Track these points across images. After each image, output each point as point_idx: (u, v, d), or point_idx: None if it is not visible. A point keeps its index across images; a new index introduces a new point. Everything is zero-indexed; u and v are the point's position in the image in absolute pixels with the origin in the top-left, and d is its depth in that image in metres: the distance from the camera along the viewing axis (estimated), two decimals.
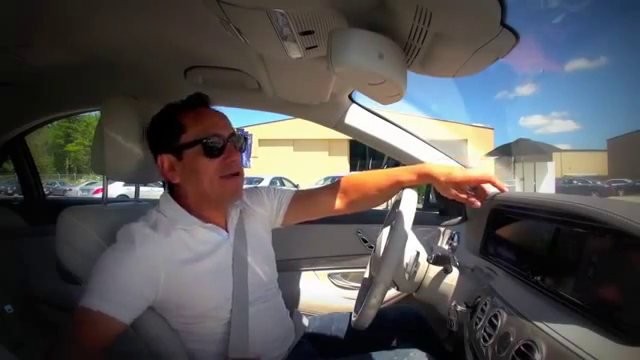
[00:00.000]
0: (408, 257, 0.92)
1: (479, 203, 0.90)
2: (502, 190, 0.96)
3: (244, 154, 0.87)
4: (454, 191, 0.89)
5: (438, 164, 1.03)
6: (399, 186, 0.94)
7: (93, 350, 0.67)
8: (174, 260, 0.76)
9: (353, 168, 20.98)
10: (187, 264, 0.77)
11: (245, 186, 0.89)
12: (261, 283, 0.87)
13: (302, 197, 1.01)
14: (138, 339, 0.76)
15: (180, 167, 0.81)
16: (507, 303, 0.70)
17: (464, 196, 0.90)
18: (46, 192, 2.08)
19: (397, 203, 0.90)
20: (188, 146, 0.79)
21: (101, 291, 0.70)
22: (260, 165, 18.90)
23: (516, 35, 0.59)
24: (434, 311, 0.99)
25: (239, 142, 0.83)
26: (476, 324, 0.75)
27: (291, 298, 1.42)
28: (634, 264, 0.53)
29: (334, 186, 1.01)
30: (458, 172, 0.91)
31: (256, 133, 19.09)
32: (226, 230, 0.85)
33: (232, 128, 0.84)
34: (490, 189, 0.97)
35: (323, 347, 0.97)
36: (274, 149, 22.18)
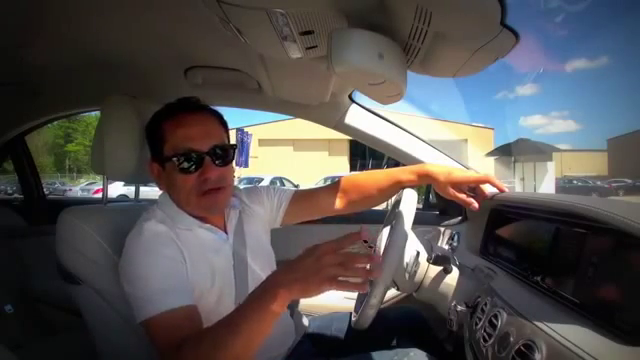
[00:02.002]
0: (408, 257, 0.92)
1: (477, 205, 0.90)
2: (502, 190, 0.96)
3: (242, 155, 0.86)
4: (453, 191, 0.90)
5: (438, 164, 1.03)
6: (399, 186, 0.94)
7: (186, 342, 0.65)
8: (188, 254, 0.75)
9: (353, 168, 20.98)
10: (197, 261, 0.76)
11: (245, 186, 0.88)
12: None
13: (302, 196, 1.00)
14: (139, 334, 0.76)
15: (164, 177, 0.80)
16: (507, 303, 0.70)
17: (463, 196, 0.90)
18: (46, 192, 2.08)
19: (397, 203, 0.90)
20: (167, 159, 0.77)
21: (153, 293, 0.68)
22: (260, 165, 18.90)
23: (516, 35, 0.59)
24: (434, 311, 0.99)
25: (224, 154, 0.78)
26: (476, 324, 0.75)
27: None
28: (634, 264, 0.53)
29: (334, 186, 1.01)
30: (457, 172, 0.91)
31: (256, 133, 19.08)
32: (225, 231, 0.85)
33: (217, 138, 0.78)
34: (489, 189, 0.97)
35: (323, 347, 0.97)
36: (274, 149, 22.19)
